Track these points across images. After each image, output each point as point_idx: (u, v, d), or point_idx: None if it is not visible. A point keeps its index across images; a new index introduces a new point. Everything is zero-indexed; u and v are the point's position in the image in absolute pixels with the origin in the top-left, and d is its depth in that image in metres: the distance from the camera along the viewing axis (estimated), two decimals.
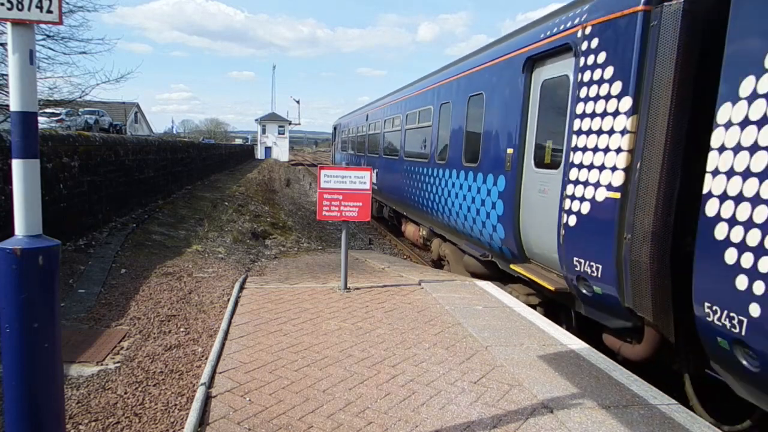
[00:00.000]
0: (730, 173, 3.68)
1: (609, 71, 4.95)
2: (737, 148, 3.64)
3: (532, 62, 6.49)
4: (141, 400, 3.97)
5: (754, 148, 3.51)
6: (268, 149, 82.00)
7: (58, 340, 2.44)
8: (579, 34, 5.41)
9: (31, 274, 2.34)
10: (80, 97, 12.53)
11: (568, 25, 5.68)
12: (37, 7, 2.40)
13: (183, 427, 3.49)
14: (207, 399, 3.80)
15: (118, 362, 4.64)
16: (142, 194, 13.97)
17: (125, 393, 4.07)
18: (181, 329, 5.48)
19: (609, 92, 4.92)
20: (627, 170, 4.72)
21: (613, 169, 4.84)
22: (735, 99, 3.67)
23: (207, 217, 13.84)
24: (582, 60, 5.34)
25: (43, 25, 2.55)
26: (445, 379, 4.26)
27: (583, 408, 3.80)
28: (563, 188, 5.57)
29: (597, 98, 5.08)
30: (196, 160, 24.82)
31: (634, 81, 4.65)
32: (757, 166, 3.48)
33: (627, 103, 4.71)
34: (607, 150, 4.92)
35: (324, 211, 6.76)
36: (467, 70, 8.74)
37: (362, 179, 6.74)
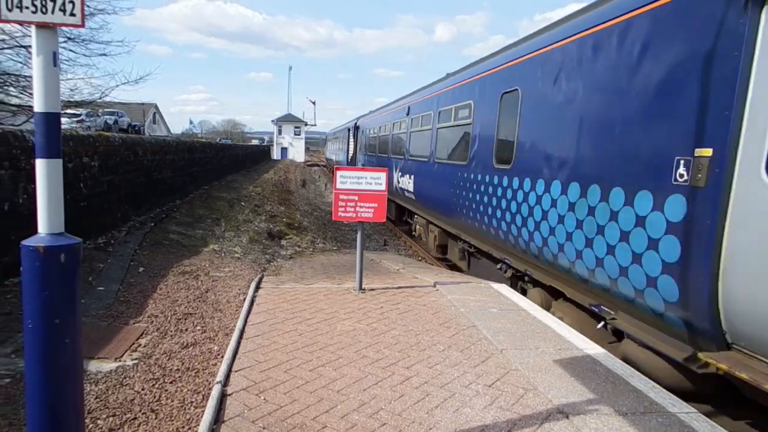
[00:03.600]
0: (357, 152, 25.95)
1: (351, 136, 28.17)
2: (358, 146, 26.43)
3: (355, 128, 27.81)
4: (158, 396, 4.03)
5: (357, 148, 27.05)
6: (284, 150, 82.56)
7: (78, 336, 2.49)
8: (351, 126, 28.91)
9: (54, 271, 2.39)
10: (100, 98, 12.76)
11: (352, 123, 29.00)
12: (60, 10, 2.45)
13: (199, 425, 3.53)
14: (222, 397, 3.84)
15: (136, 359, 4.71)
16: (160, 194, 14.15)
17: (142, 389, 4.13)
18: (198, 327, 5.55)
19: (353, 138, 27.64)
20: (354, 152, 27.03)
21: (350, 152, 28.70)
22: (358, 143, 26.08)
23: (224, 217, 13.97)
24: (352, 132, 28.19)
25: (65, 28, 2.60)
26: (460, 382, 4.25)
27: (600, 414, 3.77)
28: (346, 151, 31.19)
29: (351, 139, 28.47)
30: (213, 160, 25.07)
31: (353, 136, 27.61)
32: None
33: (352, 141, 27.91)
34: (348, 149, 29.80)
35: (340, 211, 6.79)
36: (340, 130, 39.10)
37: (378, 180, 6.75)
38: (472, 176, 8.86)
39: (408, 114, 14.06)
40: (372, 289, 7.09)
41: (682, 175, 4.23)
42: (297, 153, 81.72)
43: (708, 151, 3.99)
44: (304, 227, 15.90)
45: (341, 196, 6.76)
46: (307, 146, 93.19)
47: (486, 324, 5.71)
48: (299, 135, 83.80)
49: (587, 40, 5.75)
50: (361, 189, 6.74)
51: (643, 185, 4.68)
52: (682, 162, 4.24)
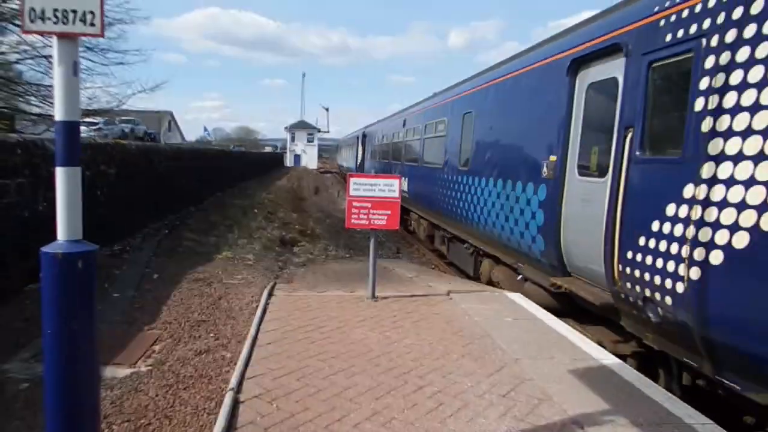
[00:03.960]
0: (365, 159, 27.63)
1: (360, 143, 29.84)
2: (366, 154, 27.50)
3: (365, 135, 29.83)
4: (171, 403, 4.07)
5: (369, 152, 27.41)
6: (297, 157, 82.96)
7: (95, 341, 2.53)
8: (360, 135, 30.61)
9: (71, 277, 2.43)
10: (117, 107, 12.99)
11: (360, 132, 31.04)
12: (81, 20, 2.50)
13: (212, 431, 3.55)
14: (235, 404, 3.87)
15: (150, 365, 4.76)
16: (174, 201, 14.31)
17: (156, 396, 4.17)
18: (211, 334, 5.59)
19: (361, 145, 29.34)
20: (362, 158, 28.46)
21: (358, 158, 30.09)
22: (365, 150, 27.53)
23: (237, 224, 14.08)
24: (360, 140, 29.89)
25: (84, 38, 2.65)
26: (474, 392, 4.23)
27: (615, 425, 3.72)
28: (356, 157, 31.87)
29: (359, 146, 30.00)
30: (227, 167, 25.30)
31: (361, 143, 29.26)
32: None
33: (360, 148, 29.50)
34: (357, 156, 30.81)
35: (353, 219, 6.81)
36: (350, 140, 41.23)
37: (391, 187, 6.77)
38: (446, 177, 11.30)
39: (404, 126, 16.93)
40: (385, 298, 7.10)
41: (545, 172, 6.72)
42: (310, 160, 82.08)
43: (554, 158, 6.53)
44: (316, 234, 15.96)
45: (354, 204, 6.78)
46: (320, 153, 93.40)
47: (500, 333, 5.69)
48: (312, 142, 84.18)
49: (502, 84, 8.62)
50: (374, 196, 6.76)
51: (530, 179, 7.18)
52: (545, 164, 6.73)
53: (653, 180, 4.69)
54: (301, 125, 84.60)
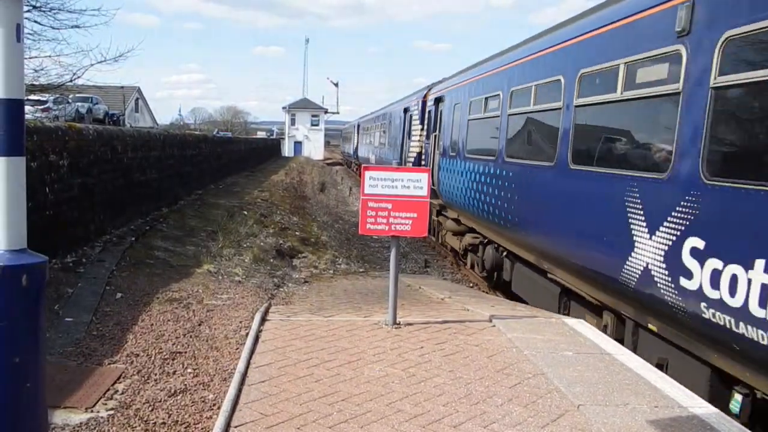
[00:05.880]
0: (361, 143, 50.97)
1: (356, 131, 53.68)
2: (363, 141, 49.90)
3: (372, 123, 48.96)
4: None
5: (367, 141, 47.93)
6: (298, 144, 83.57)
7: (42, 378, 2.55)
8: (356, 124, 55.40)
9: (14, 296, 2.44)
10: (71, 81, 13.15)
11: (357, 121, 56.39)
12: None
13: None
14: None
15: (112, 409, 4.81)
16: (144, 200, 14.49)
17: None
18: (189, 370, 5.64)
19: (357, 133, 52.55)
20: (357, 145, 51.87)
21: (354, 145, 55.08)
22: (361, 140, 50.69)
23: (221, 230, 14.21)
24: (356, 129, 53.78)
25: None
26: None
27: None
28: (353, 146, 57.12)
29: (355, 135, 53.90)
30: (209, 158, 25.57)
31: (357, 132, 53.07)
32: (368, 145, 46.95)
33: (356, 137, 52.33)
34: (354, 143, 55.97)
35: (368, 223, 6.80)
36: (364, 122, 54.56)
37: (418, 183, 6.74)
38: (383, 153, 31.53)
39: (378, 120, 35.02)
40: (409, 324, 7.09)
41: (398, 147, 26.04)
42: (314, 148, 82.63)
43: (400, 142, 25.70)
44: (322, 243, 16.04)
45: (370, 204, 6.77)
46: (327, 140, 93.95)
47: (558, 371, 5.64)
48: (317, 125, 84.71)
49: (391, 111, 30.66)
50: (395, 195, 6.74)
51: (395, 150, 26.95)
52: (400, 144, 25.54)
53: (427, 146, 19.58)
54: (304, 105, 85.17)
